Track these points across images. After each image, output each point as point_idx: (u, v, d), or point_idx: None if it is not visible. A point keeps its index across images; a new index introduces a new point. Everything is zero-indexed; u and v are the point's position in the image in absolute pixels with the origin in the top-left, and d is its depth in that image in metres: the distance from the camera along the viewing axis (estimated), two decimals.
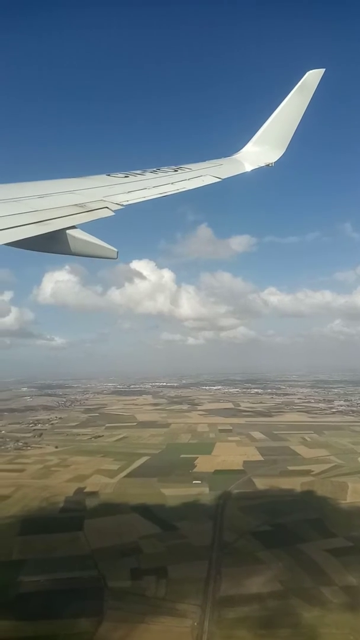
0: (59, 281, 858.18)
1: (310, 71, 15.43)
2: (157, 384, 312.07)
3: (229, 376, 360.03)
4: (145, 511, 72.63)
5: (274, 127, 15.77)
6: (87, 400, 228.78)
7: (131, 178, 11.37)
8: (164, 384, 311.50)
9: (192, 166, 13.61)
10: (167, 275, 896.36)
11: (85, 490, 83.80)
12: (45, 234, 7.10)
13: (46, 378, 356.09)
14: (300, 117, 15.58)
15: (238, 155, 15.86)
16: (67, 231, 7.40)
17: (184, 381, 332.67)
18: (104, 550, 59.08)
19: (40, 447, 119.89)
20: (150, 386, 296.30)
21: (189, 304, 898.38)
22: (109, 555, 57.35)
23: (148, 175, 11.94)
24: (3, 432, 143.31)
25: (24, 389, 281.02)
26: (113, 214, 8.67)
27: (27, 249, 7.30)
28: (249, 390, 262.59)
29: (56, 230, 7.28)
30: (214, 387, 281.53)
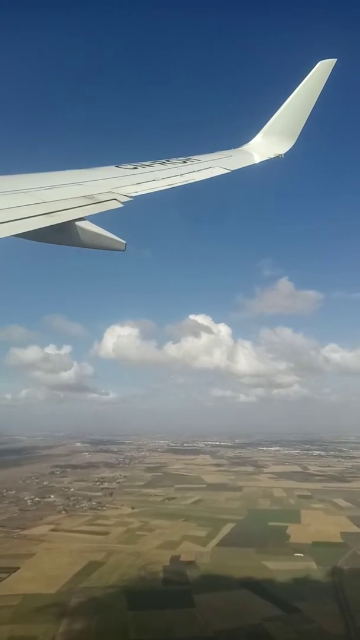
0: (120, 335, 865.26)
1: (322, 61, 15.02)
2: (210, 442, 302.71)
3: (283, 436, 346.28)
4: (256, 587, 66.77)
5: (284, 118, 15.40)
6: (144, 458, 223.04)
7: (140, 169, 11.10)
8: (218, 443, 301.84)
9: (201, 157, 13.30)
10: (224, 329, 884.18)
11: (181, 559, 78.59)
12: (54, 225, 6.97)
13: (95, 433, 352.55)
14: (311, 108, 15.23)
15: (247, 147, 15.51)
16: (76, 223, 7.27)
17: (237, 440, 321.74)
18: (229, 632, 53.84)
19: (116, 508, 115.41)
20: (204, 445, 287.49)
21: (246, 360, 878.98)
22: None
23: (157, 166, 11.65)
24: (72, 489, 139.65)
25: (78, 444, 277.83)
26: (122, 205, 8.51)
27: (37, 241, 7.15)
28: (309, 452, 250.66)
29: (65, 222, 7.16)
30: (272, 448, 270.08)
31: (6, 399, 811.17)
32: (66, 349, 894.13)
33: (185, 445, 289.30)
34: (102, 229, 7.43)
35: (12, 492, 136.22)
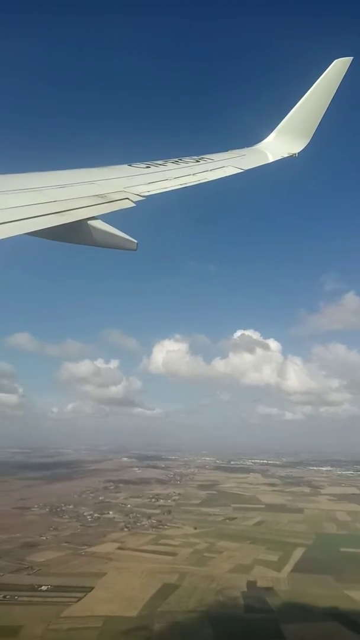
0: (169, 350, 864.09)
1: (338, 59, 14.68)
2: (258, 460, 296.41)
3: (332, 455, 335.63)
4: (345, 619, 63.09)
5: (299, 116, 15.12)
6: (194, 475, 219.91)
7: (152, 168, 10.97)
8: (265, 461, 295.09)
9: (214, 156, 13.12)
10: (274, 345, 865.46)
11: (258, 585, 75.57)
12: (66, 224, 6.91)
13: (138, 448, 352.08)
14: (326, 107, 14.96)
15: (261, 145, 15.23)
16: (88, 222, 7.23)
17: (284, 459, 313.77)
18: None
19: (178, 527, 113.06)
20: (252, 463, 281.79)
21: (296, 377, 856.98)
22: None
23: (169, 165, 11.50)
24: (129, 506, 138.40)
25: (124, 458, 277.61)
26: (134, 205, 8.43)
27: (49, 239, 7.10)
28: None
29: (77, 221, 7.10)
30: (323, 468, 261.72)
31: (53, 413, 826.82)
32: (117, 363, 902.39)
33: (232, 463, 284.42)
34: (114, 228, 7.34)
35: (70, 506, 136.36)
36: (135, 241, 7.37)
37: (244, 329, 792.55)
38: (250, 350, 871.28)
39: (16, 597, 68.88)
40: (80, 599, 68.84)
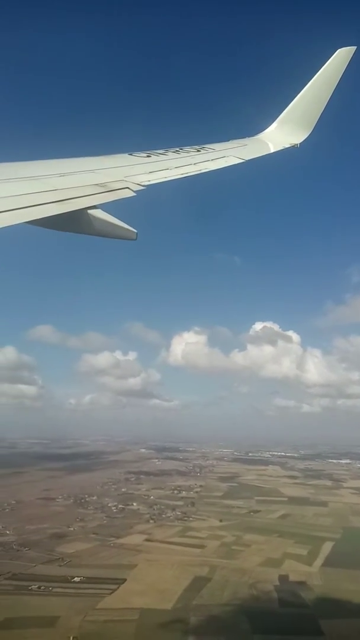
0: (188, 342, 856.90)
1: (341, 49, 14.45)
2: (275, 453, 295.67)
3: (350, 448, 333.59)
4: None
5: (301, 107, 14.90)
6: (213, 466, 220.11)
7: (153, 158, 10.91)
8: (283, 453, 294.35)
9: (215, 146, 13.01)
10: (293, 337, 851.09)
11: (290, 579, 75.11)
12: (66, 213, 6.83)
13: (155, 439, 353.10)
14: (329, 97, 14.71)
15: (262, 135, 15.03)
16: (88, 211, 7.09)
17: (301, 452, 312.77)
18: None
19: (203, 520, 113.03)
20: (270, 455, 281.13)
21: (316, 369, 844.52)
22: None
23: (170, 155, 11.45)
24: (152, 497, 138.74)
25: (143, 450, 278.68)
26: (134, 194, 8.31)
27: (49, 228, 7.01)
28: None
29: (77, 210, 6.99)
30: (342, 461, 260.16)
31: (70, 404, 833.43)
32: (136, 356, 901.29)
33: (250, 455, 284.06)
34: (114, 218, 7.24)
35: (94, 497, 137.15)
36: (135, 231, 7.27)
37: (263, 321, 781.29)
38: (269, 342, 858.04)
39: (50, 588, 69.23)
40: (113, 590, 69.03)
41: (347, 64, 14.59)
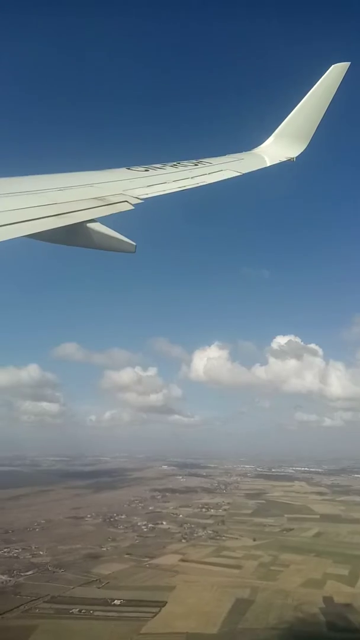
0: (210, 357, 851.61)
1: (335, 65, 14.88)
2: (298, 468, 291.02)
3: None
4: None
5: (297, 121, 15.27)
6: (238, 483, 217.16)
7: (151, 172, 11.06)
8: (307, 468, 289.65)
9: (212, 160, 13.24)
10: (315, 350, 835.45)
11: (335, 601, 73.02)
12: (65, 226, 6.93)
13: (176, 456, 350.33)
14: (324, 112, 15.06)
15: (259, 150, 15.26)
16: (88, 224, 7.19)
17: (325, 466, 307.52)
18: None
19: (236, 539, 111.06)
20: (293, 471, 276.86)
21: (339, 382, 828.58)
22: None
23: (168, 169, 11.62)
24: (181, 516, 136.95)
25: (165, 466, 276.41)
26: (133, 207, 8.40)
27: (48, 242, 7.06)
28: None
29: (76, 223, 7.09)
30: None
31: (91, 421, 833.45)
32: (159, 371, 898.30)
33: (273, 470, 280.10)
34: (113, 231, 7.30)
35: (123, 516, 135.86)
36: (134, 243, 7.31)
37: (284, 334, 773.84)
38: (291, 356, 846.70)
39: (91, 612, 68.10)
40: (155, 614, 67.68)
41: (341, 79, 15.06)
